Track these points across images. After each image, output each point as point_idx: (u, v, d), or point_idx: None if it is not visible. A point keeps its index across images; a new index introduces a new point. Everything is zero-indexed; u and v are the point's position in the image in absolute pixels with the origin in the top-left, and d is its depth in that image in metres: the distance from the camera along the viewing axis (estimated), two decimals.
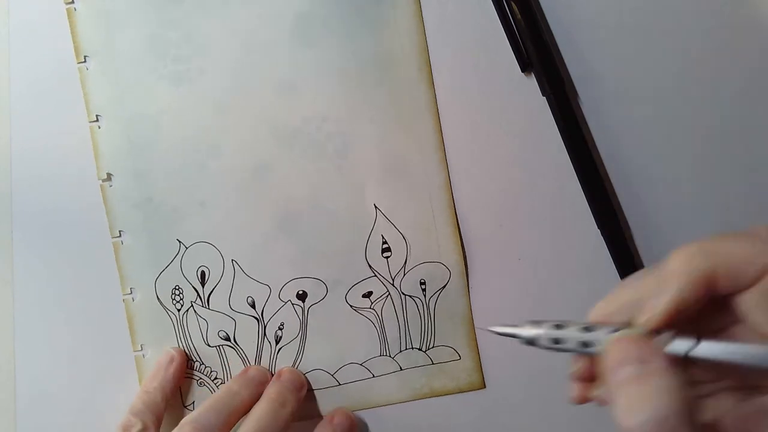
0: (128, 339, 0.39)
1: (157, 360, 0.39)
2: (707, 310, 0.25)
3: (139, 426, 0.36)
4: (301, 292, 0.39)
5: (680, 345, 0.24)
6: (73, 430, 0.39)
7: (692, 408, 0.22)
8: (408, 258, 0.39)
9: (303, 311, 0.40)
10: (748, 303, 0.24)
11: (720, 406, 0.26)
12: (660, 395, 0.23)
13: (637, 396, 0.23)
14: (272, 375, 0.39)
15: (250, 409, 0.38)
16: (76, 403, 0.39)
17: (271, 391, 0.38)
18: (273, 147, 0.39)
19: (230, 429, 0.37)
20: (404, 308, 0.39)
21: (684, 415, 0.22)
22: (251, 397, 0.38)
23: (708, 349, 0.23)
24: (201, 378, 0.39)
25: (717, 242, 0.24)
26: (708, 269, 0.24)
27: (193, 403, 0.39)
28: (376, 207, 0.39)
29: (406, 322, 0.39)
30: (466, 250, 0.39)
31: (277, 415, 0.37)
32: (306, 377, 0.40)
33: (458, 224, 0.39)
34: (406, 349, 0.40)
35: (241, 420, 0.37)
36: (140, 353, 0.39)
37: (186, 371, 0.40)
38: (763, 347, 0.23)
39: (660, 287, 0.24)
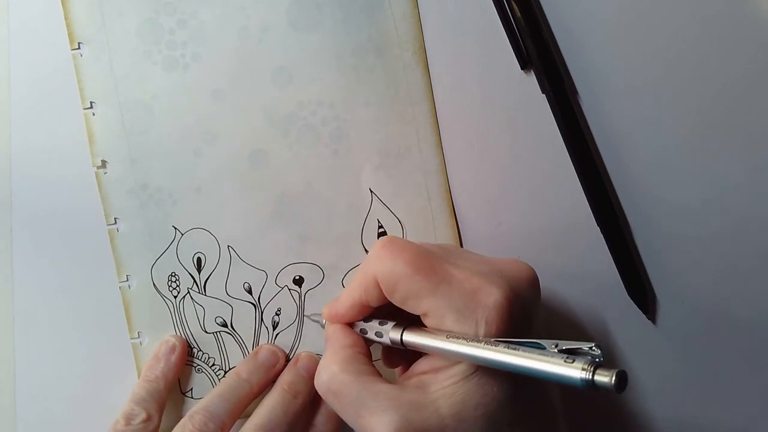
0: (125, 326, 0.39)
1: (156, 347, 0.39)
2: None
3: (143, 415, 0.36)
4: (297, 278, 0.39)
5: (395, 337, 0.32)
6: (72, 416, 0.39)
7: (350, 363, 0.32)
8: None
9: (300, 296, 0.40)
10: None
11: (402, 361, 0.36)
12: (330, 357, 0.32)
13: (323, 362, 0.33)
14: (285, 354, 0.39)
15: (260, 394, 0.38)
16: (74, 391, 0.39)
17: (284, 381, 0.38)
18: (268, 132, 0.39)
19: (240, 415, 0.37)
20: None
21: (343, 368, 0.31)
22: (260, 383, 0.38)
23: (406, 339, 0.32)
24: (199, 365, 0.39)
25: (355, 276, 0.34)
26: (353, 300, 0.33)
27: (192, 389, 0.39)
28: (371, 191, 0.39)
29: None
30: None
31: (288, 407, 0.37)
32: None
33: (454, 208, 0.40)
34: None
35: (252, 406, 0.37)
36: (137, 340, 0.39)
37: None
38: (433, 340, 0.30)
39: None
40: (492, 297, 0.30)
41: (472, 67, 0.39)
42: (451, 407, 0.29)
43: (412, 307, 0.31)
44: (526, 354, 0.27)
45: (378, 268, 0.31)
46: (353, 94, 0.39)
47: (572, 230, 0.39)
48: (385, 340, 0.33)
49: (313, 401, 0.39)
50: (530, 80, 0.38)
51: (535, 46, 0.37)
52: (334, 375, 0.32)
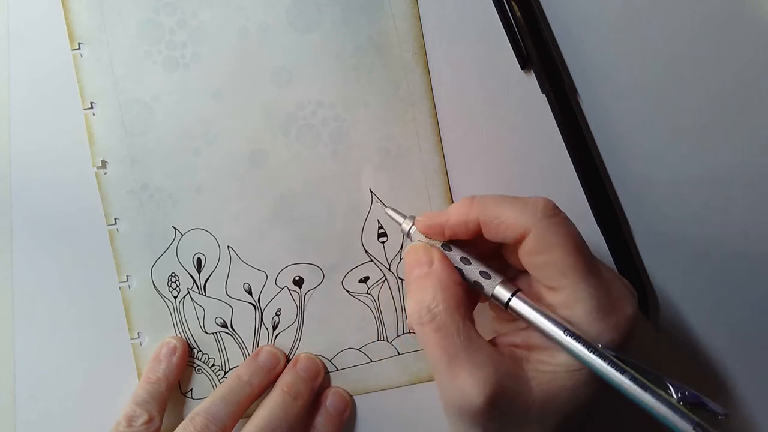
0: (125, 326, 0.39)
1: (157, 349, 0.39)
2: (505, 254, 0.32)
3: (144, 417, 0.36)
4: (297, 278, 0.39)
5: (501, 292, 0.30)
6: (72, 417, 0.39)
7: (460, 305, 0.29)
8: (404, 242, 0.39)
9: (300, 297, 0.39)
10: (520, 257, 0.30)
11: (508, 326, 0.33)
12: (440, 289, 0.30)
13: (419, 289, 0.30)
14: (285, 355, 0.39)
15: (261, 395, 0.38)
16: (74, 391, 0.39)
17: (283, 382, 0.38)
18: (268, 133, 0.39)
19: (241, 416, 0.37)
20: (401, 293, 0.39)
21: (454, 306, 0.29)
22: (261, 385, 0.38)
23: (515, 303, 0.30)
24: (199, 365, 0.39)
25: (493, 203, 0.30)
26: (476, 218, 0.30)
27: (191, 390, 0.39)
28: (371, 192, 0.39)
29: (403, 306, 0.40)
30: None
31: (288, 408, 0.37)
32: (323, 363, 0.40)
33: None
34: (404, 333, 0.40)
35: (252, 407, 0.38)
36: (137, 341, 0.39)
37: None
38: (548, 322, 0.29)
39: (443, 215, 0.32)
40: (632, 308, 0.29)
41: (472, 67, 0.39)
42: (542, 393, 0.29)
43: (547, 277, 0.29)
44: (652, 396, 0.26)
45: (537, 224, 0.29)
46: (353, 94, 0.39)
47: None
48: (487, 291, 0.30)
49: (313, 402, 0.39)
50: (530, 80, 0.38)
51: (535, 46, 0.37)
52: (443, 310, 0.29)
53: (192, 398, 0.39)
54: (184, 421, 0.36)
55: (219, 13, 0.38)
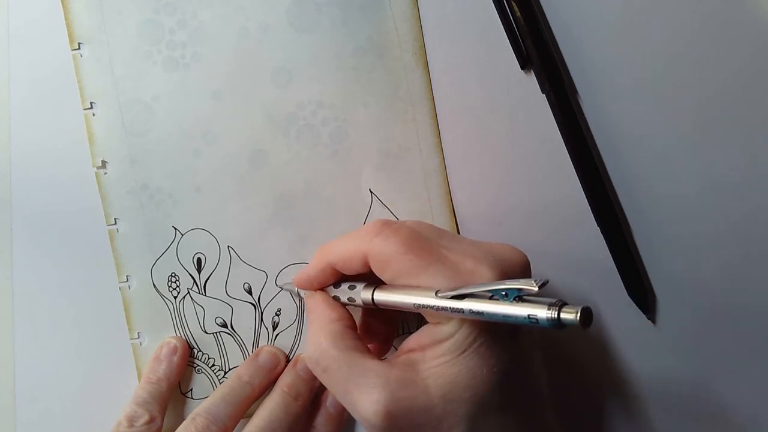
0: (125, 327, 0.39)
1: (157, 349, 0.39)
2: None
3: (145, 417, 0.36)
4: None
5: (366, 293, 0.33)
6: (72, 417, 0.39)
7: (339, 338, 0.32)
8: None
9: (300, 297, 0.39)
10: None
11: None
12: (318, 332, 0.33)
13: (311, 336, 0.33)
14: (285, 355, 0.39)
15: (261, 395, 0.38)
16: (74, 391, 0.39)
17: (284, 382, 0.38)
18: (268, 133, 0.39)
19: (242, 417, 0.37)
20: None
21: (333, 343, 0.32)
22: (262, 385, 0.38)
23: (378, 296, 0.33)
24: (199, 365, 0.39)
25: (334, 245, 0.34)
26: (327, 263, 0.34)
27: (192, 390, 0.39)
28: (371, 192, 0.39)
29: None
30: None
31: (288, 408, 0.37)
32: None
33: (453, 208, 0.40)
34: (403, 333, 0.40)
35: (253, 407, 0.38)
36: (137, 341, 0.39)
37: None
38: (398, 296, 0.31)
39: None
40: (485, 279, 0.30)
41: (472, 67, 0.39)
42: (440, 387, 0.29)
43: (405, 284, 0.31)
44: (496, 303, 0.27)
45: (369, 246, 0.32)
46: (353, 94, 0.39)
47: (572, 230, 0.39)
48: (358, 302, 0.34)
49: (313, 402, 0.39)
50: (530, 80, 0.38)
51: (535, 46, 0.37)
52: (324, 350, 0.32)
53: (192, 398, 0.39)
54: (185, 422, 0.36)
55: (219, 13, 0.38)
